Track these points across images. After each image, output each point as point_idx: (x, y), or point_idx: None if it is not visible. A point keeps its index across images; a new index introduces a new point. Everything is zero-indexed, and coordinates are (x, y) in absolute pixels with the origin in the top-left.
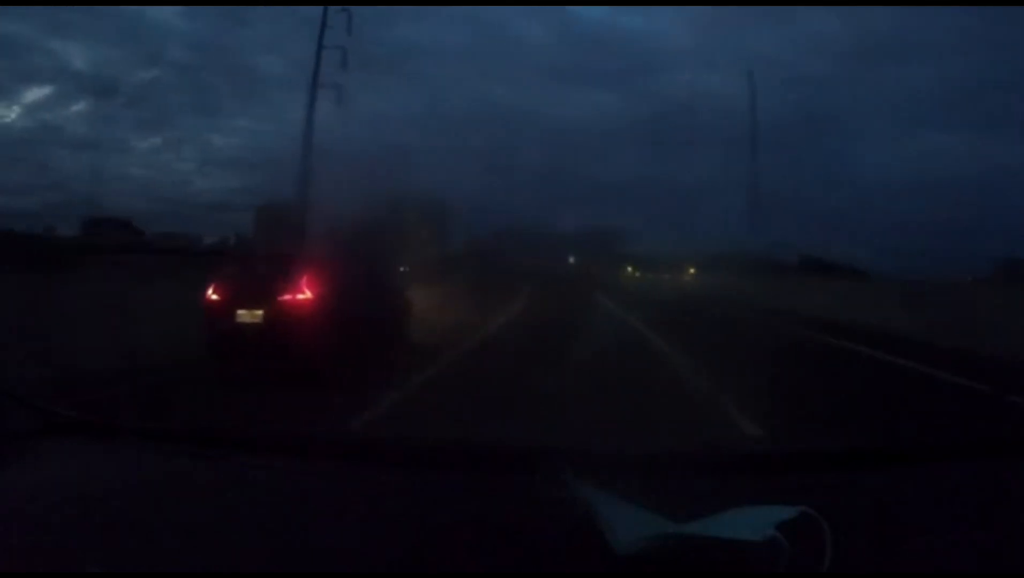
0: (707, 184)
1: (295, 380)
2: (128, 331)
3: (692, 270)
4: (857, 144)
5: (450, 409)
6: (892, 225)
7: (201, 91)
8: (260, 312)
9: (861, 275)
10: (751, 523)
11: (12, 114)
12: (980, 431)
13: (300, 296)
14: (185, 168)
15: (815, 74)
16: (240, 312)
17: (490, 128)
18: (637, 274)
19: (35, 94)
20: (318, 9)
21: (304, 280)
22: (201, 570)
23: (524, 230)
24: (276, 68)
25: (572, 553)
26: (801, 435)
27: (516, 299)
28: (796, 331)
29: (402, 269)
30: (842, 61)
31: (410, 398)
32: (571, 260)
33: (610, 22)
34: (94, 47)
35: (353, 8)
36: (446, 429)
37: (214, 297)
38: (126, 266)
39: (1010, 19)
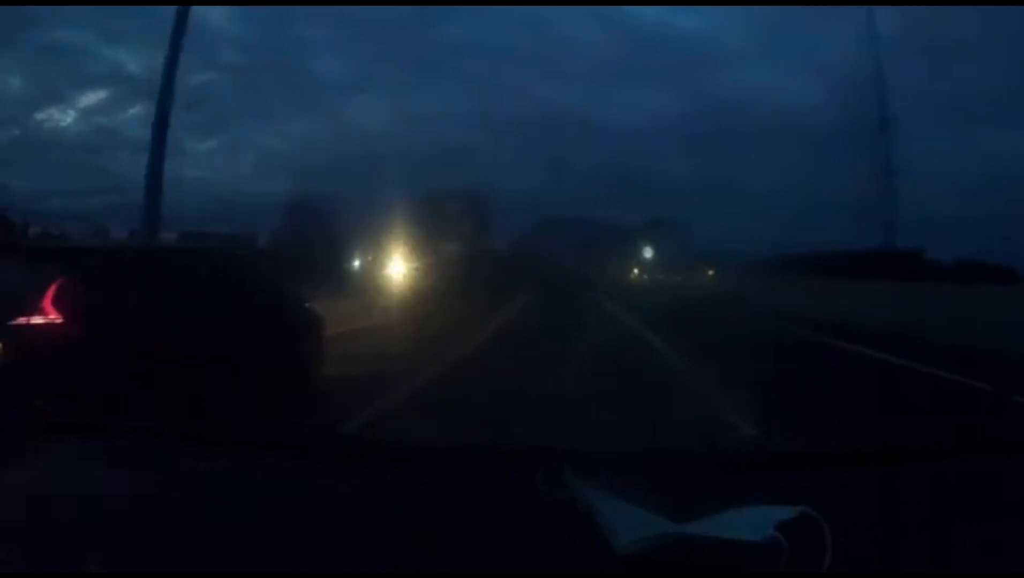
0: (775, 182)
1: None
2: None
3: (711, 272)
4: (922, 141)
5: None
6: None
7: (255, 94)
8: None
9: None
10: (751, 523)
11: (68, 118)
12: None
13: (40, 320)
14: (240, 170)
15: (872, 71)
16: None
17: (545, 128)
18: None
19: (90, 99)
20: (374, 10)
21: (52, 296)
22: (201, 570)
23: (574, 220)
24: (331, 70)
25: (572, 553)
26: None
27: (508, 308)
28: None
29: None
30: (904, 58)
31: None
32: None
33: (666, 21)
34: (147, 52)
35: (408, 8)
36: (446, 430)
37: None
38: None
39: None
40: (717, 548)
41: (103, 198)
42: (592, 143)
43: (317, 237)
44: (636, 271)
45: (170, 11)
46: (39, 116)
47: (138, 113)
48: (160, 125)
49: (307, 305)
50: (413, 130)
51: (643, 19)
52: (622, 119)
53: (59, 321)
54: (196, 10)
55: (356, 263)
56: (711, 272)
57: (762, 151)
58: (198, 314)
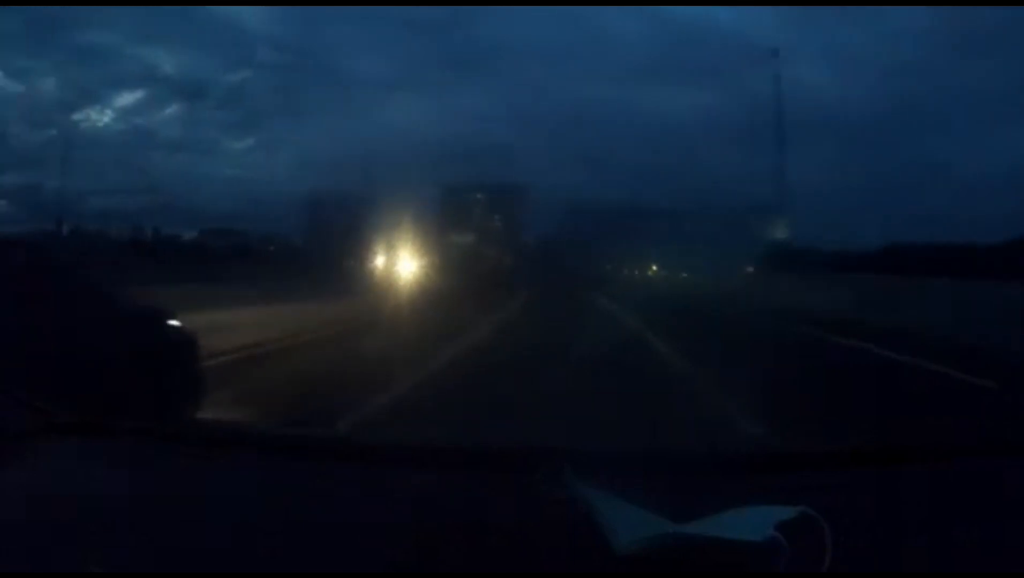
0: (817, 179)
1: None
2: None
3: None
4: (954, 136)
5: None
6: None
7: (291, 92)
8: None
9: None
10: (751, 523)
11: (104, 119)
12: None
13: None
14: (276, 168)
15: (907, 66)
16: None
17: (583, 125)
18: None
19: (126, 99)
20: (408, 9)
21: None
22: (201, 570)
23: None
24: (367, 69)
25: (572, 553)
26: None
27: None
28: None
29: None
30: (937, 52)
31: None
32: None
33: (703, 18)
34: (181, 53)
35: (447, 8)
36: (446, 431)
37: None
38: None
39: None
40: (717, 548)
41: (140, 197)
42: (631, 140)
43: (332, 234)
44: (655, 268)
45: (203, 12)
46: (75, 116)
47: (174, 113)
48: None
49: (172, 323)
50: (450, 128)
51: (680, 15)
52: (661, 115)
53: None
54: (232, 10)
55: (379, 260)
56: (750, 269)
57: (803, 145)
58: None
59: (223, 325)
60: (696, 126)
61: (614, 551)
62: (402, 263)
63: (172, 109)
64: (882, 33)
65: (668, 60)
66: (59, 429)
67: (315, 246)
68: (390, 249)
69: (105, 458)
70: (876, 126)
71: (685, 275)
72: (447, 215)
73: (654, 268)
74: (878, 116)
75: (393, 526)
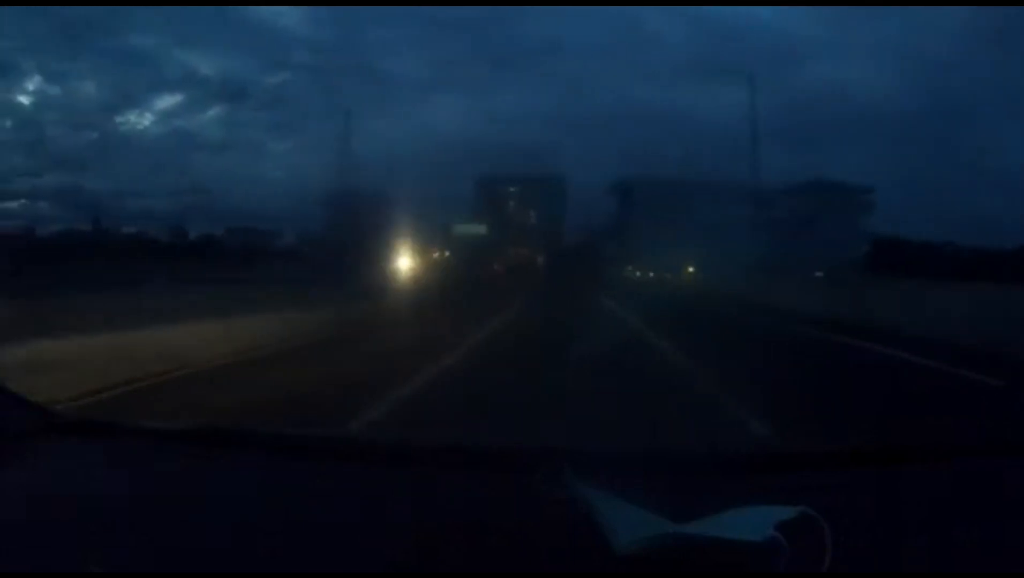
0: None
1: None
2: None
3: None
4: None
5: None
6: None
7: (333, 94)
8: None
9: None
10: (751, 523)
11: (145, 121)
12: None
13: None
14: (318, 168)
15: (946, 60)
16: None
17: (626, 124)
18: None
19: (166, 102)
20: (447, 9)
21: None
22: (201, 570)
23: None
24: (408, 69)
25: (572, 553)
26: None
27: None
28: None
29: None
30: (975, 46)
31: None
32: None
33: (742, 16)
34: (220, 56)
35: (488, 8)
36: (446, 431)
37: None
38: None
39: None
40: (717, 548)
41: (181, 199)
42: (671, 137)
43: (358, 233)
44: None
45: (241, 15)
46: (116, 119)
47: (214, 115)
48: None
49: None
50: (492, 128)
51: (723, 14)
52: (705, 114)
53: None
54: (270, 13)
55: (404, 261)
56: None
57: (850, 143)
58: None
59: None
60: (737, 124)
61: (614, 551)
62: (426, 260)
63: (212, 111)
64: (924, 27)
65: (708, 58)
66: (59, 429)
67: (339, 245)
68: (415, 247)
69: (105, 458)
70: (921, 120)
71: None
72: (479, 209)
73: (690, 269)
74: (921, 109)
75: (393, 526)
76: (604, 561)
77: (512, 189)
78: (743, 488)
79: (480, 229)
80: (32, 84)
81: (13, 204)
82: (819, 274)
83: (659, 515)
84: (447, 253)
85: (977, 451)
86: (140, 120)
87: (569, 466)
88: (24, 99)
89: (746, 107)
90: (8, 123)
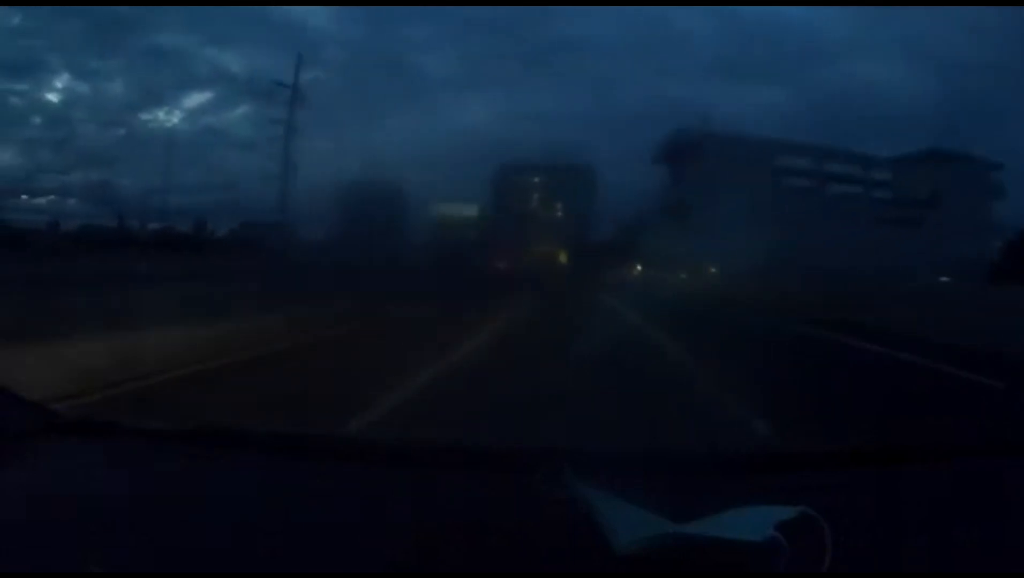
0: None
1: None
2: None
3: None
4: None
5: None
6: None
7: (363, 92)
8: None
9: None
10: (751, 523)
11: (175, 119)
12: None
13: None
14: (349, 166)
15: (978, 58)
16: None
17: (656, 124)
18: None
19: (195, 100)
20: (478, 9)
21: None
22: (201, 570)
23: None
24: (438, 68)
25: (572, 553)
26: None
27: None
28: None
29: None
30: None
31: None
32: None
33: (771, 14)
34: (249, 53)
35: (518, 7)
36: (446, 430)
37: None
38: None
39: None
40: (717, 548)
41: (213, 195)
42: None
43: (367, 229)
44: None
45: (269, 13)
46: (145, 117)
47: (244, 113)
48: None
49: None
50: (522, 127)
51: (752, 13)
52: (735, 113)
53: None
54: (302, 11)
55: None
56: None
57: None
58: None
59: None
60: (765, 124)
61: (614, 551)
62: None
63: (241, 109)
64: (956, 26)
65: (739, 57)
66: (59, 429)
67: (346, 241)
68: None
69: (105, 458)
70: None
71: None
72: (499, 200)
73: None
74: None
75: (393, 526)
76: (604, 561)
77: (536, 179)
78: (743, 488)
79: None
80: (61, 82)
81: (42, 200)
82: (945, 280)
83: (659, 515)
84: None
85: (977, 451)
86: (169, 117)
87: (569, 466)
88: (53, 97)
89: (776, 106)
90: (37, 120)
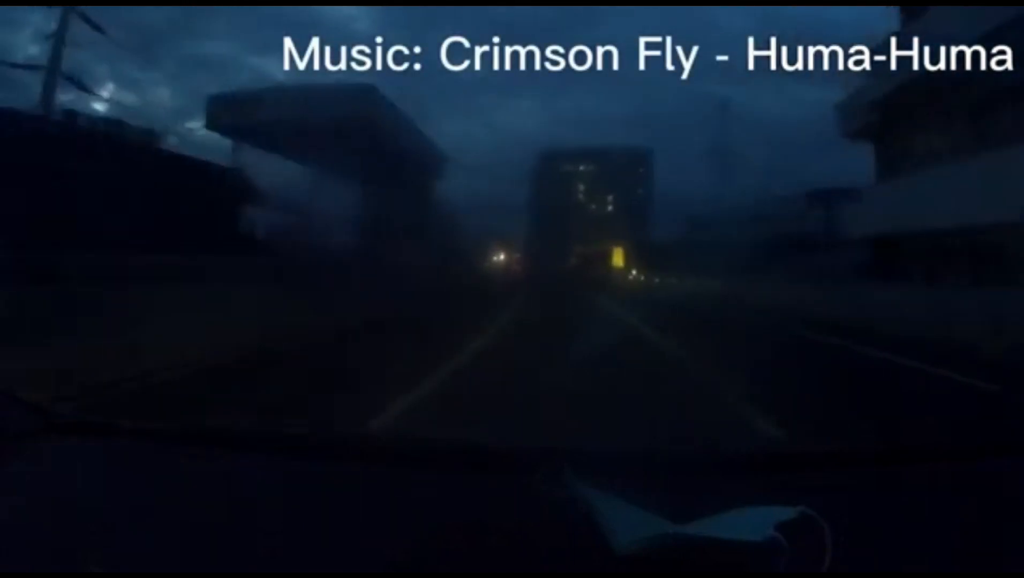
0: None
1: None
2: None
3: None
4: None
5: None
6: None
7: (405, 96)
8: None
9: None
10: (751, 523)
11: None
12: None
13: None
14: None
15: None
16: None
17: (703, 124)
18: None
19: None
20: (519, 10)
21: None
22: (201, 570)
23: None
24: (479, 72)
25: (572, 553)
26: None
27: None
28: None
29: None
30: None
31: None
32: None
33: (812, 12)
34: (294, 60)
35: (560, 8)
36: (446, 430)
37: None
38: None
39: None
40: (717, 548)
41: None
42: (752, 137)
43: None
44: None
45: (313, 18)
46: (192, 125)
47: None
48: None
49: None
50: (566, 131)
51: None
52: (781, 112)
53: None
54: (344, 17)
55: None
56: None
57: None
58: None
59: None
60: (815, 123)
61: (614, 551)
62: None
63: None
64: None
65: (781, 57)
66: (59, 429)
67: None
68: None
69: (105, 458)
70: None
71: None
72: (540, 193)
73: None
74: None
75: (393, 526)
76: (604, 561)
77: (583, 167)
78: (743, 488)
79: (562, 228)
80: (106, 92)
81: None
82: None
83: (659, 515)
84: (517, 256)
85: (977, 451)
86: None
87: (569, 466)
88: (99, 106)
89: (825, 105)
90: None
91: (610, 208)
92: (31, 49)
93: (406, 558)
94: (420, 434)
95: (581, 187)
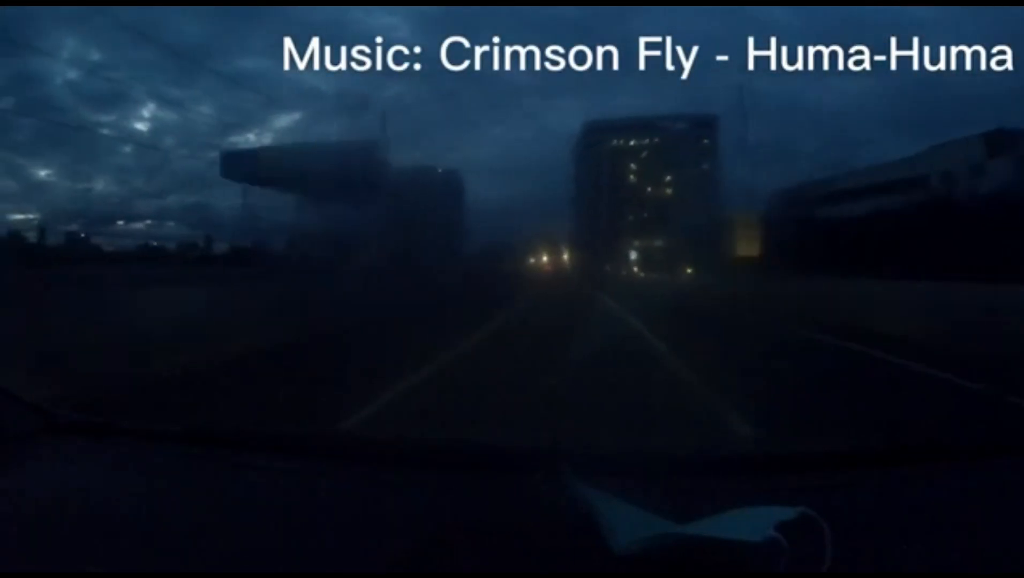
0: None
1: None
2: None
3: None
4: None
5: None
6: None
7: (449, 102)
8: None
9: None
10: (751, 523)
11: (266, 140)
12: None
13: None
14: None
15: None
16: None
17: (749, 116)
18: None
19: (284, 120)
20: (560, 10)
21: None
22: (201, 570)
23: None
24: (520, 74)
25: (572, 553)
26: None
27: None
28: None
29: None
30: None
31: None
32: None
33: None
34: (334, 71)
35: (601, 8)
36: (446, 430)
37: None
38: None
39: None
40: (717, 548)
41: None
42: (800, 129)
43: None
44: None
45: (354, 29)
46: (234, 139)
47: (335, 129)
48: None
49: None
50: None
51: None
52: (827, 103)
53: None
54: (385, 25)
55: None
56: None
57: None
58: None
59: None
60: (861, 112)
61: (614, 551)
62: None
63: (331, 126)
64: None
65: (827, 47)
66: (59, 429)
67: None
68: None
69: (105, 458)
70: None
71: None
72: (584, 175)
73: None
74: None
75: (393, 526)
76: (604, 561)
77: (634, 142)
78: (743, 488)
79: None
80: (147, 111)
81: (140, 225)
82: None
83: (659, 515)
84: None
85: (977, 451)
86: (260, 139)
87: (569, 466)
88: (141, 126)
89: (871, 95)
90: (127, 149)
91: (669, 193)
92: (70, 73)
93: (406, 558)
94: (420, 435)
95: (634, 167)
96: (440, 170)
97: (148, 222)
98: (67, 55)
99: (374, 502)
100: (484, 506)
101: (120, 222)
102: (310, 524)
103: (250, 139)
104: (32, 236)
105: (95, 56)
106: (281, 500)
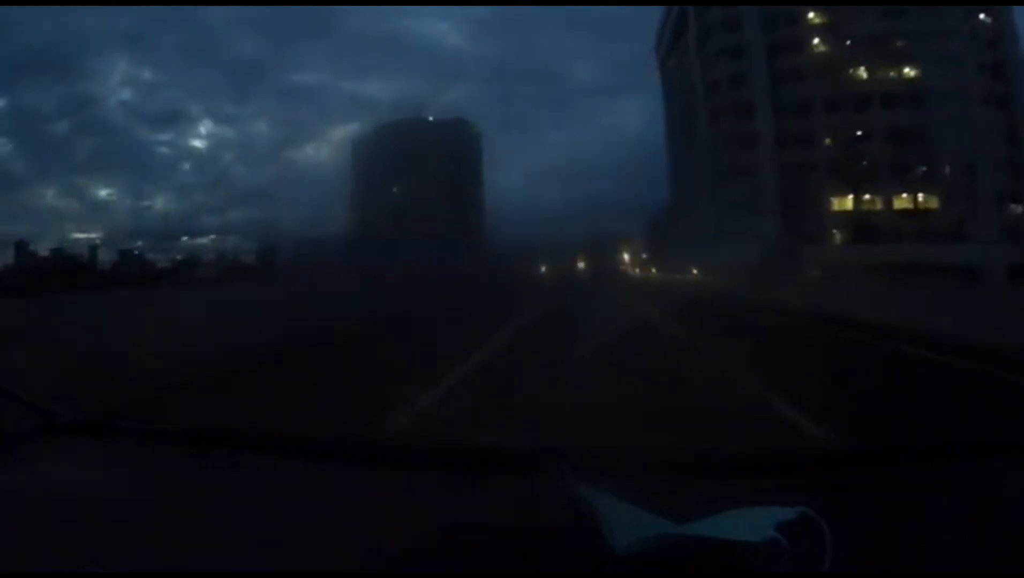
0: None
1: None
2: None
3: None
4: None
5: None
6: None
7: (508, 104)
8: None
9: None
10: (751, 523)
11: (324, 152)
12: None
13: None
14: (509, 183)
15: None
16: None
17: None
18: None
19: (340, 132)
20: (615, 10)
21: None
22: (201, 570)
23: None
24: (583, 75)
25: (572, 553)
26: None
27: None
28: None
29: None
30: None
31: None
32: None
33: None
34: (389, 81)
35: (656, 7)
36: (446, 430)
37: None
38: None
39: None
40: (717, 548)
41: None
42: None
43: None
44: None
45: (404, 41)
46: (293, 153)
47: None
48: None
49: None
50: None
51: None
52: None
53: None
54: (437, 33)
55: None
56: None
57: None
58: None
59: None
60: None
61: (614, 551)
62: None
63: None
64: None
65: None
66: (59, 429)
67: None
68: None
69: (105, 458)
70: None
71: None
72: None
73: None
74: None
75: (394, 526)
76: (604, 561)
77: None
78: (743, 488)
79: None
80: (204, 128)
81: (205, 240)
82: None
83: (659, 515)
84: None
85: (977, 451)
86: (317, 152)
87: (569, 466)
88: (199, 143)
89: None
90: (187, 166)
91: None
92: (124, 94)
93: (406, 558)
94: (421, 435)
95: None
96: None
97: (212, 237)
98: (119, 77)
99: (375, 502)
100: (485, 506)
101: (184, 238)
102: (310, 524)
103: (308, 152)
104: (84, 255)
105: (146, 75)
106: (281, 500)
